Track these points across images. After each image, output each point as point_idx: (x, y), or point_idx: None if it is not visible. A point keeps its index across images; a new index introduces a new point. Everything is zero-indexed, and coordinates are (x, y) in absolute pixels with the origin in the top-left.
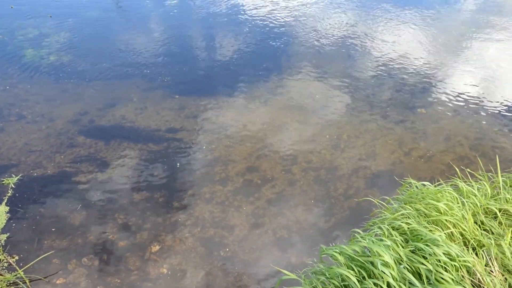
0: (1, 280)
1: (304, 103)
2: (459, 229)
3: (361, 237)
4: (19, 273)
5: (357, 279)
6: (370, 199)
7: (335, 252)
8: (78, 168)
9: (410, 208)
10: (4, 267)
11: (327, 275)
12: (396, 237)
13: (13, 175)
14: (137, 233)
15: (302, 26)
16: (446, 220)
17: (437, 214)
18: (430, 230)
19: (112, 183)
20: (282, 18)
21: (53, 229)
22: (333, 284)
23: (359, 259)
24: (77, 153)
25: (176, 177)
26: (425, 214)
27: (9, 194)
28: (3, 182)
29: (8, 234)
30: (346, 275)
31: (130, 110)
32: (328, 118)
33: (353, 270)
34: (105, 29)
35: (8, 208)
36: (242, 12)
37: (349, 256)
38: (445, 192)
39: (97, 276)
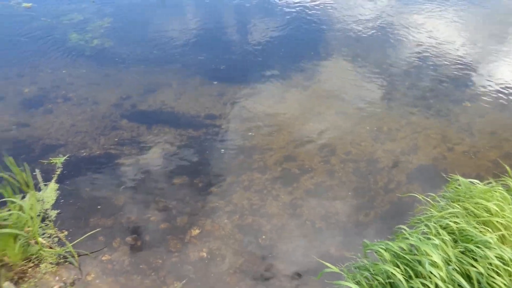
0: (52, 253)
1: (343, 92)
2: (511, 231)
3: (408, 233)
4: (68, 248)
5: (403, 278)
6: (415, 194)
7: (381, 248)
8: (122, 151)
9: (458, 206)
10: (54, 242)
11: (372, 271)
12: (445, 236)
13: (61, 155)
14: (178, 216)
15: (340, 13)
16: (497, 221)
17: (488, 215)
18: (480, 232)
19: (153, 166)
20: (321, 5)
21: (98, 207)
22: (378, 280)
23: (406, 257)
24: (120, 135)
25: (215, 163)
26: (474, 214)
27: (58, 172)
28: (51, 161)
29: (58, 210)
30: (392, 273)
31: (169, 95)
32: (368, 109)
33: (399, 268)
34: (147, 15)
35: (58, 185)
36: (282, 2)
37: (395, 253)
38: (496, 191)
39: (140, 255)
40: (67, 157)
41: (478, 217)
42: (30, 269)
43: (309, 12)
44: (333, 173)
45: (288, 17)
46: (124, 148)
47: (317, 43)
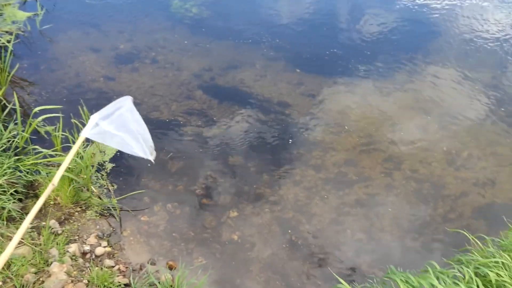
0: (99, 203)
1: (431, 105)
2: None
3: (438, 271)
4: (113, 201)
5: None
6: (464, 232)
7: (400, 279)
8: (188, 120)
9: (508, 257)
10: (103, 192)
11: None
12: (478, 286)
13: None
14: (222, 195)
15: (456, 18)
16: None
17: None
18: None
19: (214, 141)
20: (437, 6)
21: (151, 170)
22: None
23: None
24: (191, 105)
25: (272, 150)
26: None
27: None
28: None
29: (114, 164)
30: None
31: (250, 75)
32: (452, 128)
33: None
34: None
35: None
36: None
37: None
38: None
39: (176, 224)
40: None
41: None
42: (77, 213)
43: (429, 13)
44: (392, 188)
45: (401, 13)
46: (191, 118)
47: (423, 47)
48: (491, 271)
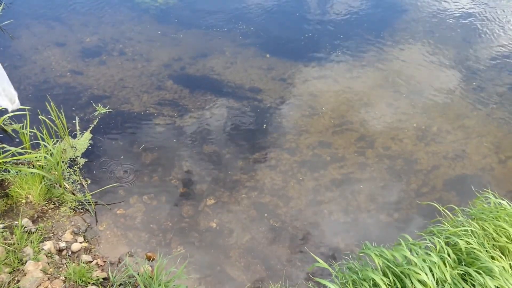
0: (72, 199)
1: (402, 83)
2: None
3: (411, 244)
4: (87, 196)
5: None
6: (435, 204)
7: (374, 254)
8: (160, 111)
9: (477, 225)
10: (77, 188)
11: (360, 275)
12: (449, 255)
13: (104, 106)
14: (198, 183)
15: None
16: None
17: (507, 241)
18: (492, 257)
19: (187, 130)
20: None
21: (125, 163)
22: (363, 286)
23: (395, 269)
24: (162, 96)
25: (246, 136)
26: (492, 237)
27: (95, 123)
28: (97, 110)
29: (86, 159)
30: (377, 282)
31: (220, 62)
32: (422, 105)
33: (387, 277)
34: None
35: (91, 135)
36: None
37: (388, 261)
38: None
39: (152, 215)
40: (108, 109)
41: (496, 241)
42: (50, 210)
43: None
44: (366, 166)
45: None
46: (163, 109)
47: (392, 25)
48: (460, 239)
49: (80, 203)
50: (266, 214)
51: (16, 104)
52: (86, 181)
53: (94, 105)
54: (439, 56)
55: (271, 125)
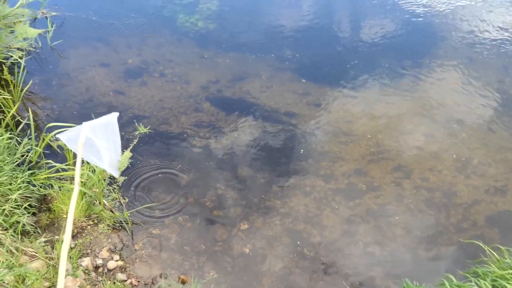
0: (111, 217)
1: (438, 111)
2: None
3: (456, 285)
4: (125, 214)
5: None
6: (478, 243)
7: None
8: (197, 132)
9: None
10: (115, 206)
11: None
12: None
13: (144, 126)
14: (232, 207)
15: (459, 22)
16: None
17: None
18: None
19: (222, 153)
20: (440, 8)
21: (162, 183)
22: None
23: None
24: (199, 118)
25: (281, 161)
26: None
27: (135, 142)
28: (138, 130)
29: (125, 177)
30: None
31: (256, 86)
32: (461, 135)
33: None
34: (254, 4)
35: (132, 154)
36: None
37: None
38: None
39: (186, 237)
40: (149, 129)
41: None
42: (89, 227)
43: (431, 17)
44: (403, 197)
45: (404, 18)
46: (200, 131)
47: (429, 50)
48: (508, 283)
49: (118, 221)
50: (299, 242)
51: (117, 172)
52: (124, 199)
53: (135, 124)
54: (480, 84)
55: (305, 150)
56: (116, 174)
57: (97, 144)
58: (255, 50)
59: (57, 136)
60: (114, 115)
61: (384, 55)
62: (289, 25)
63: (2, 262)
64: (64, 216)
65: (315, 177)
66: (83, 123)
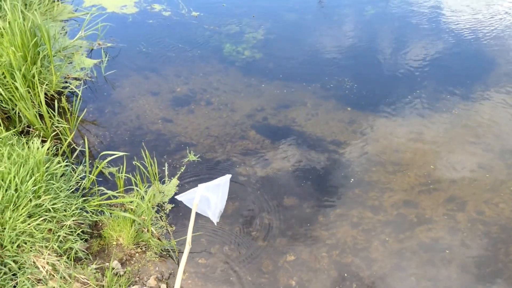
0: (158, 244)
1: (493, 140)
2: None
3: None
4: (172, 243)
5: None
6: None
7: None
8: (243, 160)
9: None
10: (162, 233)
11: None
12: None
13: (193, 154)
14: (278, 237)
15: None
16: None
17: None
18: None
19: (268, 181)
20: (492, 30)
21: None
22: None
23: None
24: (245, 145)
25: (327, 191)
26: None
27: (182, 170)
28: (188, 157)
29: (173, 205)
30: None
31: (301, 114)
32: None
33: None
34: (300, 31)
35: (179, 182)
36: (445, 23)
37: None
38: None
39: (233, 267)
40: (197, 157)
41: None
42: (137, 254)
43: (479, 36)
44: (457, 231)
45: (454, 42)
46: (245, 158)
47: (481, 75)
48: None
49: (165, 249)
50: (349, 276)
51: (218, 219)
52: (172, 227)
53: (182, 152)
54: None
55: (352, 180)
56: (215, 220)
57: (208, 197)
58: (300, 78)
59: (176, 197)
60: (228, 176)
61: (433, 81)
62: (333, 52)
63: None
64: (114, 243)
65: (363, 208)
66: (199, 185)
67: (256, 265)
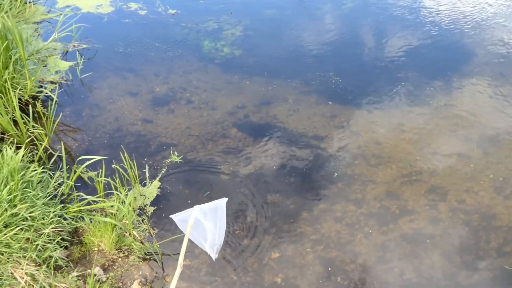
0: (141, 248)
1: (472, 129)
2: None
3: None
4: (155, 246)
5: None
6: None
7: None
8: (225, 159)
9: None
10: (145, 237)
11: None
12: None
13: (173, 154)
14: (262, 234)
15: (488, 33)
16: None
17: None
18: None
19: (251, 179)
20: (466, 22)
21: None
22: None
23: None
24: (227, 144)
25: (311, 186)
26: None
27: (163, 171)
28: (170, 158)
29: (155, 207)
30: None
31: (283, 110)
32: (497, 154)
33: None
34: (278, 27)
35: (160, 183)
36: (425, 14)
37: None
38: None
39: (217, 267)
40: (179, 157)
41: None
42: (120, 259)
43: (458, 30)
44: (439, 221)
45: (432, 35)
46: (227, 157)
47: (460, 65)
48: None
49: (148, 253)
50: (331, 269)
51: (217, 255)
52: (154, 230)
53: (163, 152)
54: None
55: (335, 174)
56: (213, 256)
57: (205, 225)
58: (281, 73)
59: (170, 216)
60: (223, 200)
61: (412, 73)
62: (314, 47)
63: None
64: (95, 249)
65: (346, 202)
66: (195, 206)
67: (241, 264)
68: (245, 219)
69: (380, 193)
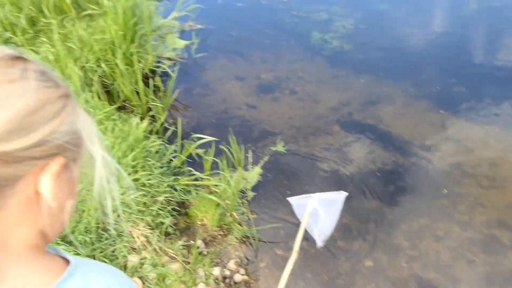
0: (239, 230)
1: None
2: None
3: None
4: (252, 230)
5: None
6: None
7: None
8: (325, 156)
9: None
10: (244, 220)
11: None
12: None
13: (275, 143)
14: (357, 240)
15: None
16: None
17: None
18: None
19: (350, 182)
20: None
21: (289, 205)
22: None
23: None
24: (328, 140)
25: (412, 198)
26: None
27: (265, 159)
28: (276, 148)
29: (255, 193)
30: None
31: (389, 113)
32: None
33: None
34: (391, 25)
35: (262, 171)
36: None
37: None
38: None
39: (309, 263)
40: (284, 147)
41: None
42: (220, 236)
43: None
44: None
45: None
46: (328, 154)
47: None
48: None
49: (245, 236)
50: None
51: (323, 243)
52: (253, 214)
53: (265, 140)
54: None
55: (440, 189)
56: (319, 244)
57: (318, 211)
58: (391, 74)
59: (287, 199)
60: (343, 195)
61: None
62: (429, 48)
63: (148, 259)
64: (199, 223)
65: (450, 222)
66: (313, 194)
67: (334, 265)
68: (341, 221)
69: (490, 220)
